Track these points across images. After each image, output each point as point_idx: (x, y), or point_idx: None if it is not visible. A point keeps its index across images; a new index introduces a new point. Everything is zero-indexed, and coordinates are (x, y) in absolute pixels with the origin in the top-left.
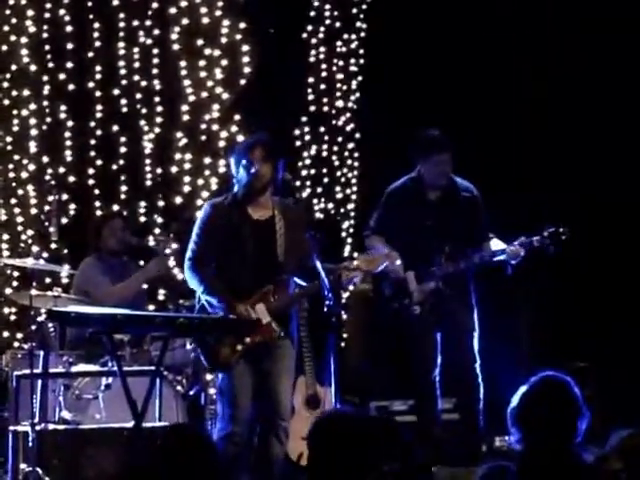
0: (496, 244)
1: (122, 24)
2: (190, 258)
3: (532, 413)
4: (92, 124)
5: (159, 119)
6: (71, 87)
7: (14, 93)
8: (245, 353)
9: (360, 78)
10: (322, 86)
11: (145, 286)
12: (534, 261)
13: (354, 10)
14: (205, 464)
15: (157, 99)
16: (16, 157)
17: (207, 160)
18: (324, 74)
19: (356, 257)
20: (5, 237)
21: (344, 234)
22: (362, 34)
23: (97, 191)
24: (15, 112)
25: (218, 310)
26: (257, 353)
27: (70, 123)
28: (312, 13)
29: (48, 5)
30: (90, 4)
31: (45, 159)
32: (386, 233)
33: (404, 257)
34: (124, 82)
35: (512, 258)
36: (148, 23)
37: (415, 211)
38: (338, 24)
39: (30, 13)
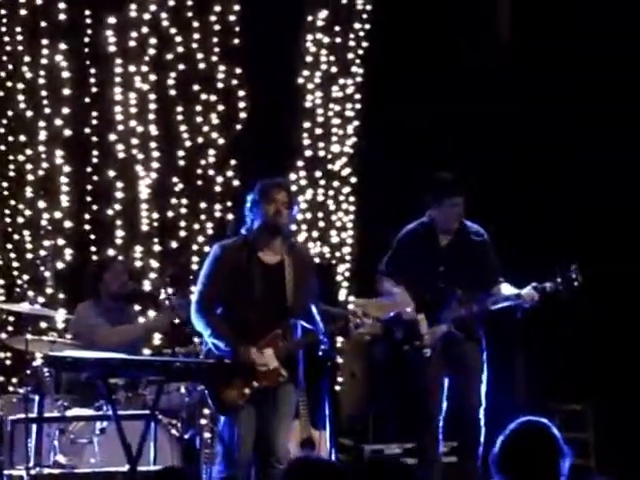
0: (506, 288)
1: (118, 70)
2: (198, 301)
3: (513, 459)
4: (88, 169)
5: (155, 164)
6: (67, 133)
7: (10, 138)
8: (251, 397)
9: (356, 123)
10: (318, 131)
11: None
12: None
13: (350, 55)
14: None
15: (153, 144)
16: (12, 202)
17: (203, 205)
18: (320, 119)
19: (358, 302)
20: (1, 282)
21: (340, 278)
22: (358, 79)
23: (93, 236)
24: (11, 157)
25: (225, 354)
26: (262, 397)
27: (66, 168)
28: (308, 58)
29: (45, 51)
30: (86, 50)
31: (41, 204)
32: (397, 276)
33: (415, 300)
34: (120, 127)
35: (527, 302)
36: (144, 69)
37: (427, 256)
38: (334, 69)
39: (27, 59)
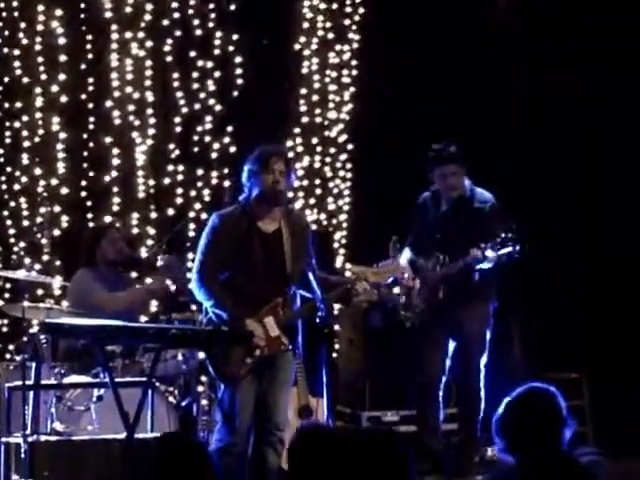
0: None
1: (115, 36)
2: (198, 271)
3: (514, 423)
4: (85, 136)
5: (152, 131)
6: (64, 99)
7: (6, 105)
8: (253, 366)
9: (353, 89)
10: (315, 97)
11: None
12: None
13: (347, 21)
14: (199, 472)
15: (150, 111)
16: (8, 169)
17: (200, 172)
18: (317, 85)
19: (354, 269)
20: None
21: (336, 245)
22: (355, 45)
23: (89, 203)
24: (7, 124)
25: (226, 323)
26: (262, 364)
27: (63, 135)
28: (305, 25)
29: (41, 17)
30: (83, 16)
31: (37, 171)
32: (414, 246)
33: (412, 267)
34: (117, 94)
35: (475, 262)
36: (141, 35)
37: (429, 223)
38: (331, 35)
39: (22, 25)
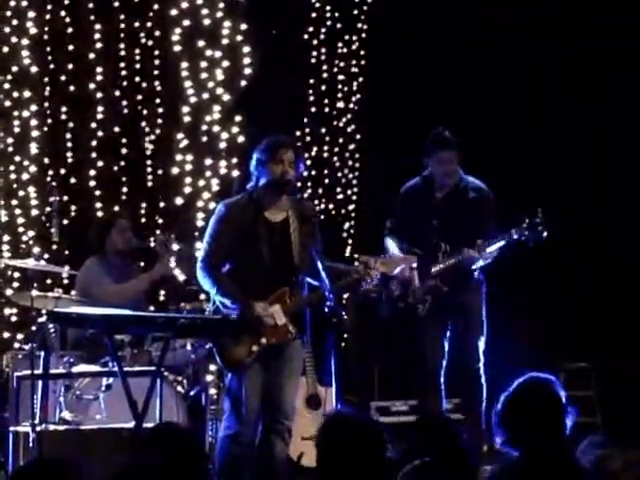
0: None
1: (123, 25)
2: (203, 259)
3: (514, 414)
4: (93, 125)
5: (160, 120)
6: (72, 88)
7: (15, 94)
8: (259, 354)
9: (361, 79)
10: (323, 87)
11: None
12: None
13: (355, 11)
14: (191, 461)
15: (158, 100)
16: (17, 158)
17: (208, 161)
18: (325, 75)
19: (362, 258)
20: (6, 238)
21: (345, 235)
22: (363, 35)
23: (98, 192)
24: (16, 113)
25: (232, 311)
26: (269, 353)
27: (71, 124)
28: (313, 14)
29: (49, 6)
30: (91, 5)
31: (46, 160)
32: (401, 232)
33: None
34: (125, 83)
35: (469, 261)
36: (149, 24)
37: (422, 210)
38: (339, 25)
39: (31, 14)
